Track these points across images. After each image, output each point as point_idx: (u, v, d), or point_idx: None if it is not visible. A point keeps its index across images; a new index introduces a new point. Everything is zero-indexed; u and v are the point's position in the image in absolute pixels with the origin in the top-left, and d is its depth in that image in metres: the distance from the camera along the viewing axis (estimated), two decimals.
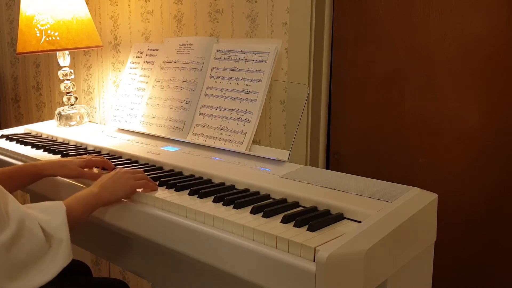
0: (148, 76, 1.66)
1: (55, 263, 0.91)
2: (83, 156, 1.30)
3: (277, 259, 0.82)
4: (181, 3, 1.81)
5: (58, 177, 1.28)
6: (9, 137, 1.74)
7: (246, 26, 1.64)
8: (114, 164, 1.31)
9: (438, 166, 1.47)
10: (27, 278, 0.86)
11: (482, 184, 1.41)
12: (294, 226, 0.90)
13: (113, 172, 1.14)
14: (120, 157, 1.43)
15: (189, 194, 1.09)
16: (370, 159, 1.59)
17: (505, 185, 1.38)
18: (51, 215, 0.93)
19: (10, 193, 1.13)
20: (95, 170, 1.30)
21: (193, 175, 1.24)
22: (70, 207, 0.99)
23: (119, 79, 2.06)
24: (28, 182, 1.26)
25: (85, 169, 1.25)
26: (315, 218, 0.93)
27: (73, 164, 1.23)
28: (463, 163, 1.44)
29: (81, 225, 1.04)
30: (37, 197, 1.74)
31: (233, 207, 1.01)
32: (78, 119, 1.91)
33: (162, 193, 1.10)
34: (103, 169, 1.29)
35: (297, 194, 1.05)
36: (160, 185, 1.15)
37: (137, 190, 1.12)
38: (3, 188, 0.90)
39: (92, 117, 2.17)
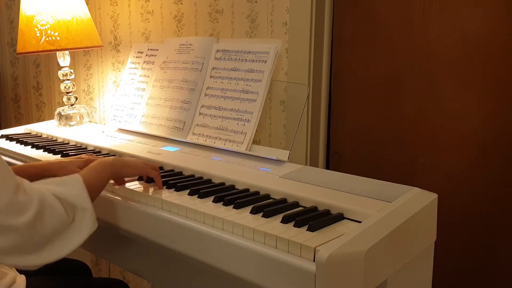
0: (148, 76, 1.66)
1: (81, 231, 0.94)
2: (82, 156, 1.31)
3: (277, 259, 0.82)
4: (181, 3, 1.81)
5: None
6: (9, 137, 1.74)
7: (246, 26, 1.64)
8: None
9: (438, 166, 1.47)
10: (54, 248, 0.90)
11: (482, 184, 1.41)
12: (294, 226, 0.90)
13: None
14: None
15: (189, 194, 1.09)
16: (370, 159, 1.59)
17: (505, 185, 1.38)
18: (70, 186, 0.96)
19: None
20: None
21: (193, 175, 1.24)
22: (86, 177, 1.01)
23: (119, 79, 2.06)
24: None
25: None
26: (315, 218, 0.93)
27: (73, 166, 1.24)
28: (463, 163, 1.44)
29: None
30: None
31: (233, 207, 1.01)
32: (78, 119, 1.91)
33: (162, 193, 1.10)
34: None
35: (297, 194, 1.05)
36: None
37: (142, 189, 1.12)
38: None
39: (92, 117, 2.17)
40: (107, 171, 1.08)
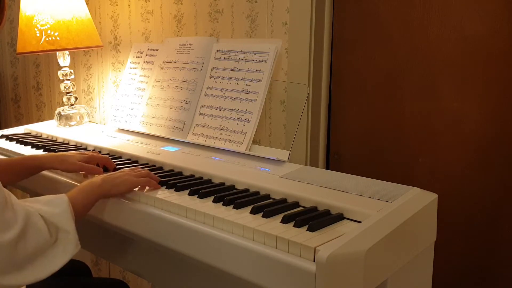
0: (148, 76, 1.66)
1: (63, 253, 0.93)
2: (86, 152, 1.30)
3: (277, 259, 0.82)
4: (181, 3, 1.81)
5: (59, 177, 1.28)
6: (9, 137, 1.74)
7: (246, 26, 1.64)
8: (115, 164, 1.32)
9: (438, 166, 1.47)
10: (36, 269, 0.89)
11: (482, 184, 1.41)
12: (294, 226, 0.90)
13: (117, 171, 1.16)
14: (120, 157, 1.43)
15: (189, 194, 1.09)
16: (370, 159, 1.59)
17: (505, 185, 1.38)
18: (54, 207, 0.95)
19: (9, 185, 1.15)
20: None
21: (193, 175, 1.24)
22: (73, 198, 1.00)
23: (119, 79, 2.06)
24: (27, 175, 1.27)
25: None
26: (315, 218, 0.93)
27: (74, 159, 1.24)
28: (463, 163, 1.44)
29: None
30: (37, 195, 1.74)
31: (233, 207, 1.01)
32: (78, 119, 1.91)
33: (162, 193, 1.10)
34: (105, 169, 1.28)
35: (297, 194, 1.05)
36: (160, 185, 1.15)
37: (138, 189, 1.12)
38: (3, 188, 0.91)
39: (92, 117, 2.17)
40: (95, 193, 1.07)
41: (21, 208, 0.88)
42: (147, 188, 1.13)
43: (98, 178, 1.10)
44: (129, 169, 1.17)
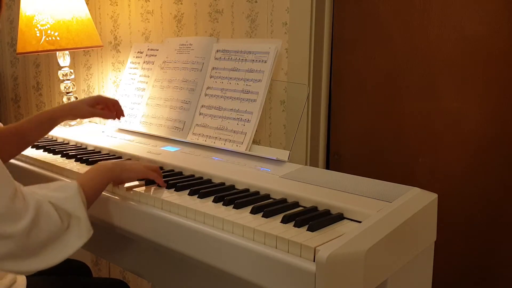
0: (148, 76, 1.66)
1: (78, 238, 0.94)
2: (94, 96, 1.37)
3: (277, 259, 0.82)
4: (181, 3, 1.81)
5: (60, 177, 1.28)
6: None
7: (246, 26, 1.64)
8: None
9: (438, 166, 1.47)
10: (50, 254, 0.90)
11: (482, 184, 1.41)
12: (294, 226, 0.90)
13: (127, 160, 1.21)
14: (120, 157, 1.43)
15: (189, 194, 1.09)
16: (370, 159, 1.59)
17: (505, 185, 1.38)
18: (65, 193, 0.95)
19: (29, 144, 1.25)
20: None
21: (193, 175, 1.24)
22: (83, 182, 1.00)
23: (119, 79, 2.06)
24: (44, 130, 1.31)
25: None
26: (315, 218, 0.93)
27: (83, 104, 1.28)
28: (463, 163, 1.44)
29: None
30: None
31: (233, 207, 1.01)
32: (78, 119, 1.91)
33: (162, 193, 1.10)
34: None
35: (297, 194, 1.05)
36: None
37: (145, 188, 1.13)
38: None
39: None
40: (106, 176, 1.08)
41: (31, 197, 0.89)
42: (151, 189, 1.13)
43: (108, 162, 1.12)
44: (141, 162, 1.19)
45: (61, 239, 0.92)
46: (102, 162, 1.12)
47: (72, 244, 0.93)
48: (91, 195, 1.02)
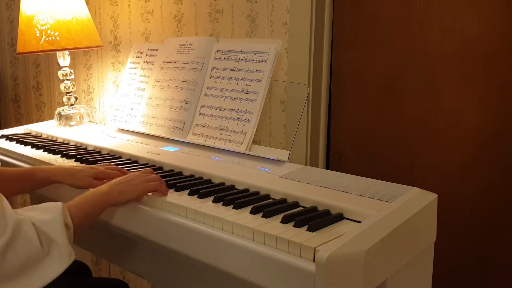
0: (148, 76, 1.66)
1: (59, 264, 0.89)
2: (95, 166, 1.24)
3: (277, 259, 0.82)
4: (181, 3, 1.81)
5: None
6: (9, 137, 1.74)
7: (246, 26, 1.64)
8: (115, 165, 1.30)
9: (438, 166, 1.47)
10: (27, 280, 0.86)
11: (482, 184, 1.41)
12: (294, 226, 0.90)
13: (126, 175, 1.12)
14: (120, 157, 1.43)
15: (189, 194, 1.09)
16: (370, 159, 1.59)
17: (505, 184, 1.38)
18: (48, 216, 0.91)
19: (16, 195, 1.11)
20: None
21: (193, 175, 1.24)
22: (74, 206, 0.97)
23: (119, 79, 2.06)
24: (36, 187, 1.23)
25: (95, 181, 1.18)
26: (315, 218, 0.93)
27: (82, 173, 1.18)
28: (463, 163, 1.44)
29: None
30: (37, 198, 1.74)
31: (233, 207, 1.01)
32: (78, 119, 1.91)
33: None
34: None
35: (297, 194, 1.05)
36: None
37: (148, 194, 1.10)
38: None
39: (92, 117, 2.17)
40: (101, 200, 1.03)
41: (11, 215, 0.85)
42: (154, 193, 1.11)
43: (105, 185, 1.07)
44: (139, 173, 1.13)
45: (41, 263, 0.87)
46: (99, 187, 1.07)
47: (52, 270, 0.88)
48: (81, 218, 0.97)
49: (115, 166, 1.25)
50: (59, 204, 0.95)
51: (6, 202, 0.88)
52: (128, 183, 1.08)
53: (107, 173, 1.19)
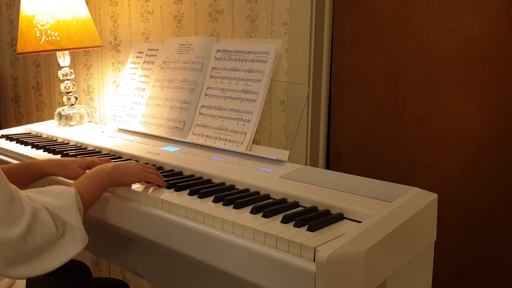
0: (148, 76, 1.66)
1: (73, 246, 0.93)
2: (87, 158, 1.28)
3: (277, 259, 0.82)
4: (181, 3, 1.81)
5: (60, 177, 1.27)
6: (9, 137, 1.74)
7: (246, 26, 1.64)
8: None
9: (438, 166, 1.47)
10: (44, 261, 0.90)
11: (482, 184, 1.41)
12: (294, 226, 0.90)
13: (126, 161, 1.16)
14: (120, 157, 1.43)
15: (189, 194, 1.09)
16: (370, 159, 1.59)
17: (505, 184, 1.38)
18: (61, 200, 0.94)
19: None
20: None
21: (193, 175, 1.24)
22: (81, 187, 1.00)
23: (119, 79, 2.06)
24: (29, 181, 1.25)
25: (87, 170, 1.22)
26: (315, 218, 0.93)
27: (74, 164, 1.21)
28: (463, 163, 1.44)
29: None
30: None
31: (233, 207, 1.01)
32: (78, 119, 1.91)
33: (162, 193, 1.10)
34: None
35: (297, 194, 1.05)
36: None
37: (144, 187, 1.12)
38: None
39: (92, 117, 2.17)
40: (105, 180, 1.07)
41: (28, 203, 0.89)
42: (151, 188, 1.12)
43: (107, 165, 1.11)
44: (138, 163, 1.17)
45: (55, 246, 0.91)
46: (101, 165, 1.11)
47: (66, 252, 0.93)
48: (89, 199, 1.02)
49: (108, 158, 1.30)
50: (72, 189, 0.98)
51: (20, 192, 0.90)
52: (129, 167, 1.13)
53: (97, 162, 1.24)
